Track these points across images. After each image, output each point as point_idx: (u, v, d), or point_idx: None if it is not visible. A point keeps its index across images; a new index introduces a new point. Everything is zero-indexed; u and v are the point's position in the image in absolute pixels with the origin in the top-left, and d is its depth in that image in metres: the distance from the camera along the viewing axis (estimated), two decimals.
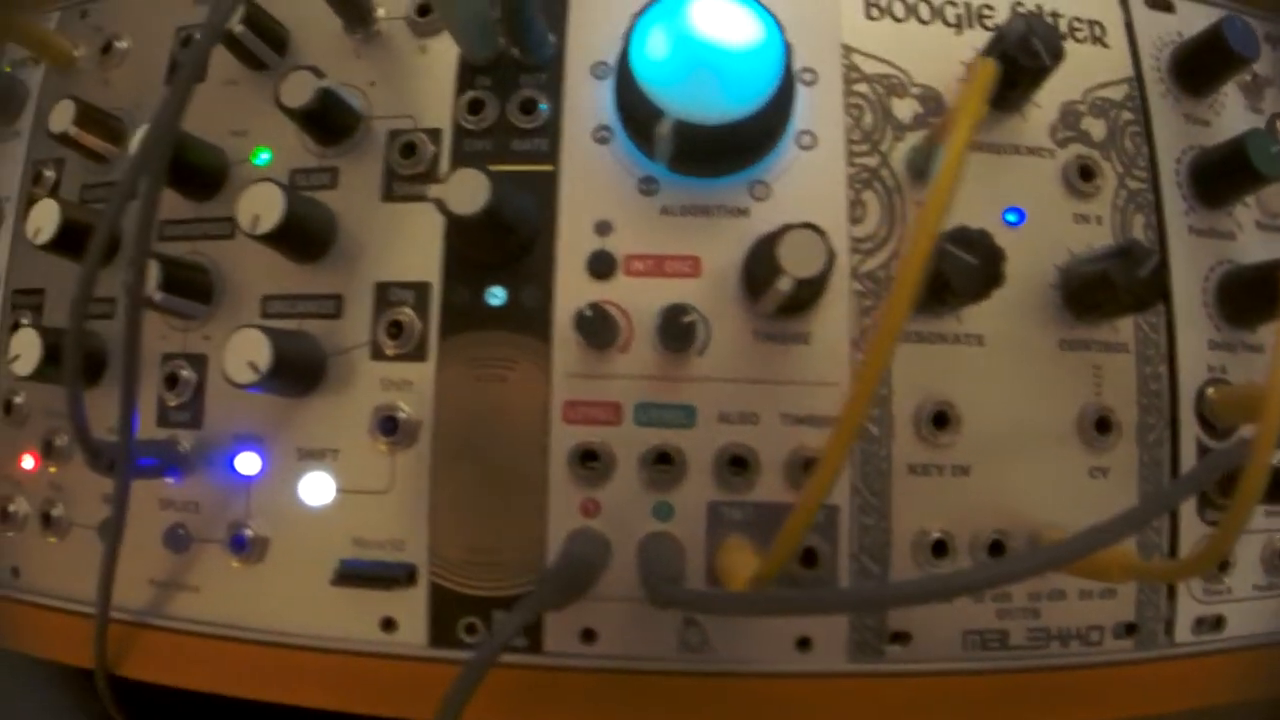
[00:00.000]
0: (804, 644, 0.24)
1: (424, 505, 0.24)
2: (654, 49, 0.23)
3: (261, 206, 0.23)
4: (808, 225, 0.21)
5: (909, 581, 0.20)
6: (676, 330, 0.22)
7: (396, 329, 0.25)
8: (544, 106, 0.25)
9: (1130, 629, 0.25)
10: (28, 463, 0.29)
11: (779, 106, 0.23)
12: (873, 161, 0.25)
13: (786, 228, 0.21)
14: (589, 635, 0.24)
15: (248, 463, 0.26)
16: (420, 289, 0.25)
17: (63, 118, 0.27)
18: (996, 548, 0.24)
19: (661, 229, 0.25)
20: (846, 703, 0.24)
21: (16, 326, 0.29)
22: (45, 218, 0.26)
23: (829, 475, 0.17)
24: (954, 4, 0.26)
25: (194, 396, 0.26)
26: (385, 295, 0.25)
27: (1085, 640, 0.25)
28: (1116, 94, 0.27)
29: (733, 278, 0.24)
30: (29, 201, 0.30)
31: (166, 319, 0.27)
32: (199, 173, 0.27)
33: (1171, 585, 0.25)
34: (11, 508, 0.29)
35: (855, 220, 0.25)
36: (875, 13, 0.26)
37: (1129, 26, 0.27)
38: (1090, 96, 0.26)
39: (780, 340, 0.24)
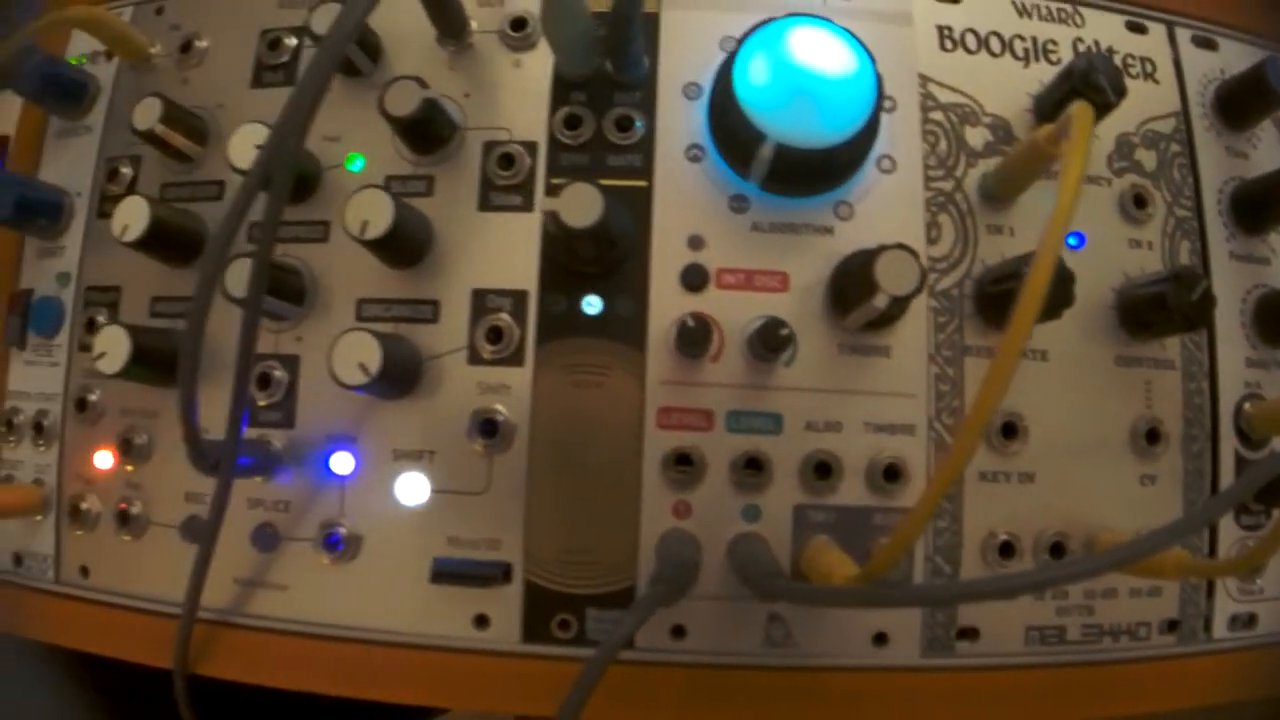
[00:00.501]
0: (880, 639, 0.25)
1: (520, 506, 0.25)
2: (756, 75, 0.24)
3: (371, 213, 0.24)
4: (901, 246, 0.23)
5: (1020, 574, 0.20)
6: (774, 342, 0.23)
7: (496, 335, 0.26)
8: (639, 124, 0.26)
9: (1173, 625, 0.27)
10: (103, 461, 0.29)
11: (869, 133, 0.24)
12: (947, 186, 0.27)
13: (883, 248, 0.23)
14: (679, 631, 0.25)
15: (342, 462, 0.26)
16: (518, 296, 0.26)
17: (149, 115, 0.27)
18: (1057, 549, 0.26)
19: (751, 245, 0.26)
20: (919, 695, 0.25)
21: (93, 323, 0.29)
22: (134, 215, 0.26)
23: (947, 479, 0.18)
24: (1022, 38, 0.28)
25: (286, 396, 0.27)
26: (483, 302, 0.26)
27: (1134, 635, 0.27)
28: (1165, 127, 0.29)
29: (818, 292, 0.26)
30: (103, 198, 0.30)
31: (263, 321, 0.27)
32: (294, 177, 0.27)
33: (1210, 584, 0.27)
34: (84, 506, 0.29)
35: (931, 241, 0.26)
36: (949, 44, 0.28)
37: (1177, 63, 0.29)
38: (1142, 129, 0.28)
39: (863, 353, 0.26)
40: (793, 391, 0.25)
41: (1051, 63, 0.28)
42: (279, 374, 0.27)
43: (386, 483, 0.26)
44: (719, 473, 0.25)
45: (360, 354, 0.23)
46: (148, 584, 0.28)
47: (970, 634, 0.26)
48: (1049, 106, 0.27)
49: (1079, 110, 0.20)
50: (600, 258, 0.25)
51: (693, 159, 0.26)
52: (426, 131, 0.26)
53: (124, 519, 0.28)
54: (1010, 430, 0.26)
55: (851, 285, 0.24)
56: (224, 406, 0.24)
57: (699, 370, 0.25)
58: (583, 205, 0.23)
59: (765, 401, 0.25)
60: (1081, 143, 0.18)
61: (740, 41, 0.24)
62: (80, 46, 0.33)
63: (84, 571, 0.29)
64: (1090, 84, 0.26)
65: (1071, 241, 0.27)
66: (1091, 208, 0.27)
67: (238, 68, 0.30)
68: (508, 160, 0.26)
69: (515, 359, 0.26)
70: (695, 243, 0.26)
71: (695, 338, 0.24)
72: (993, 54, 0.28)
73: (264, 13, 0.30)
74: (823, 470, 0.25)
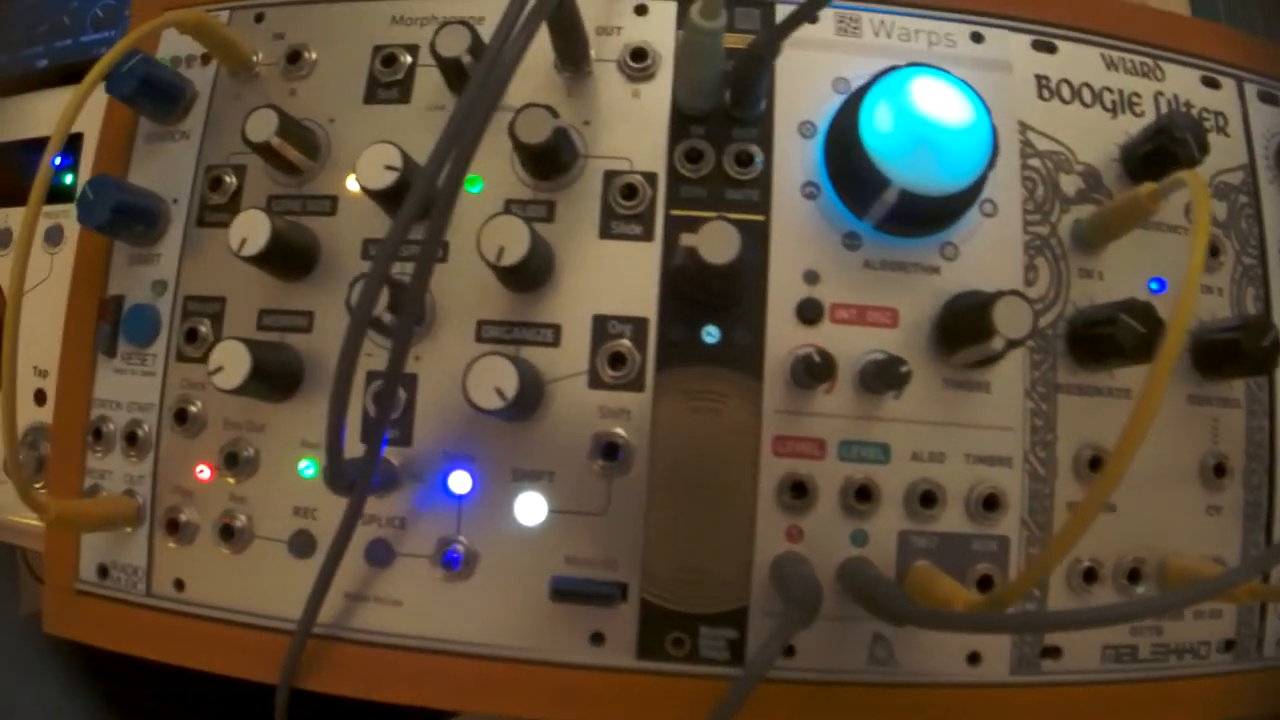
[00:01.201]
0: (974, 658, 0.27)
1: (638, 527, 0.26)
2: (881, 122, 0.25)
3: (508, 239, 0.24)
4: (1016, 293, 0.24)
5: (1135, 601, 0.23)
6: (894, 379, 0.25)
7: (618, 360, 0.26)
8: (759, 160, 0.27)
9: (1229, 645, 0.29)
10: (203, 473, 0.29)
11: (982, 180, 0.26)
12: (1044, 230, 0.28)
13: (1000, 294, 0.24)
14: (790, 651, 0.26)
15: (460, 481, 0.27)
16: (638, 323, 0.27)
17: (265, 127, 0.27)
18: (1134, 574, 0.28)
19: (863, 281, 0.27)
20: (1008, 710, 0.27)
21: (194, 333, 0.29)
22: (253, 229, 0.26)
23: (1088, 518, 0.19)
24: (1110, 90, 0.30)
25: (404, 414, 0.27)
26: (604, 328, 0.27)
27: (1195, 654, 0.29)
28: (1235, 179, 0.31)
29: (925, 329, 0.27)
30: (204, 206, 0.30)
31: (373, 337, 0.28)
32: (390, 194, 0.27)
33: (1264, 607, 0.30)
34: (182, 518, 0.29)
35: (1029, 283, 0.28)
36: (1046, 93, 0.29)
37: (1245, 118, 0.31)
38: (1215, 180, 0.30)
39: (965, 388, 0.27)
40: (900, 423, 0.27)
41: (1136, 114, 0.30)
42: (398, 392, 0.27)
43: (505, 502, 0.26)
44: (830, 499, 0.26)
45: (497, 378, 0.24)
46: (250, 598, 0.28)
47: (1053, 653, 0.27)
48: (1136, 158, 0.29)
49: (1195, 181, 0.22)
50: (726, 291, 0.26)
51: (808, 196, 0.27)
52: (552, 159, 0.27)
53: (227, 533, 0.28)
54: (1097, 464, 0.28)
55: (963, 326, 0.25)
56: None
57: (812, 400, 0.26)
58: (722, 243, 0.23)
59: (874, 432, 0.26)
60: (1205, 214, 0.20)
61: (865, 89, 0.26)
62: (170, 49, 0.32)
63: (179, 584, 0.29)
64: (1177, 141, 0.28)
65: (1153, 286, 0.29)
66: (1171, 255, 0.29)
67: (349, 82, 0.30)
68: (630, 190, 0.27)
69: (636, 384, 0.26)
70: (810, 277, 0.27)
71: (820, 372, 0.25)
72: (1084, 104, 0.29)
73: (376, 29, 0.30)
74: (927, 499, 0.26)
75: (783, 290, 0.27)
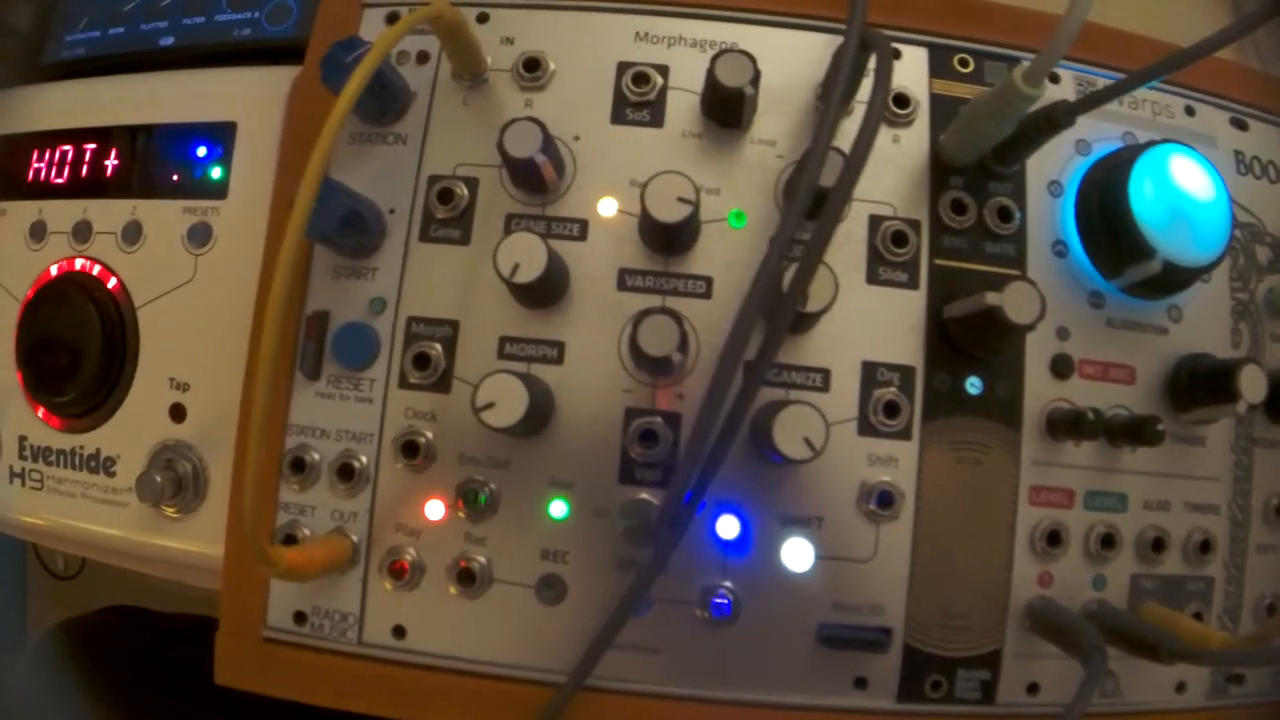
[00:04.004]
0: (1180, 687, 0.29)
1: (904, 573, 0.26)
2: (1148, 194, 0.26)
3: (818, 288, 0.24)
4: (1255, 361, 0.26)
5: None
6: (1151, 436, 0.26)
7: (892, 409, 0.26)
8: (1018, 216, 0.28)
9: None
10: (434, 511, 0.26)
11: (1225, 253, 0.28)
12: (1244, 296, 0.31)
13: (1242, 362, 0.26)
14: (1033, 688, 0.27)
15: (728, 526, 0.26)
16: (905, 371, 0.27)
17: (529, 141, 0.25)
18: None
19: (1106, 339, 0.28)
20: None
21: (424, 358, 0.27)
22: (527, 254, 0.24)
23: None
24: None
25: (668, 456, 0.26)
26: (873, 374, 0.27)
27: None
28: None
29: (1157, 386, 0.29)
30: (429, 219, 0.27)
31: (630, 371, 0.26)
32: (680, 228, 0.26)
33: None
34: (406, 560, 0.26)
35: (1235, 345, 0.30)
36: (1243, 168, 0.32)
37: None
38: None
39: (1186, 441, 0.29)
40: (1134, 474, 0.28)
41: None
42: (661, 432, 0.26)
43: (772, 548, 0.26)
44: (1077, 545, 0.27)
45: (807, 428, 0.23)
46: (488, 646, 0.26)
47: (1238, 679, 0.30)
48: None
49: None
50: (1006, 348, 0.26)
51: (1058, 254, 0.28)
52: (822, 199, 0.26)
53: (466, 576, 0.26)
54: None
55: (1204, 387, 0.27)
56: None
57: (1062, 452, 0.28)
58: (1026, 303, 0.24)
59: (1114, 483, 0.28)
60: None
61: (1129, 160, 0.27)
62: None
63: (398, 631, 0.26)
64: None
65: None
66: None
67: (594, 98, 0.28)
68: (900, 238, 0.27)
69: (904, 433, 0.27)
70: (1061, 334, 0.28)
71: (1089, 430, 0.26)
72: (1271, 181, 0.32)
73: (619, 43, 0.28)
74: (1158, 545, 0.28)
75: (1039, 344, 0.28)
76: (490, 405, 0.24)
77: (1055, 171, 0.29)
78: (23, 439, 0.33)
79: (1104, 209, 0.27)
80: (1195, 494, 0.29)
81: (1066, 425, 0.27)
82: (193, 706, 0.40)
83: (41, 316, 0.32)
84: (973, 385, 0.27)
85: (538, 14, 0.29)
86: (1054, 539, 0.27)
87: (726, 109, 0.27)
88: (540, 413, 0.25)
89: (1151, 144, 0.27)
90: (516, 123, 0.25)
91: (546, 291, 0.26)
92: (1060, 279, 0.28)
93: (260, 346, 0.20)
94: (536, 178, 0.26)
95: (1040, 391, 0.28)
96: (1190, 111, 0.31)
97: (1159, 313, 0.29)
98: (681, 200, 0.24)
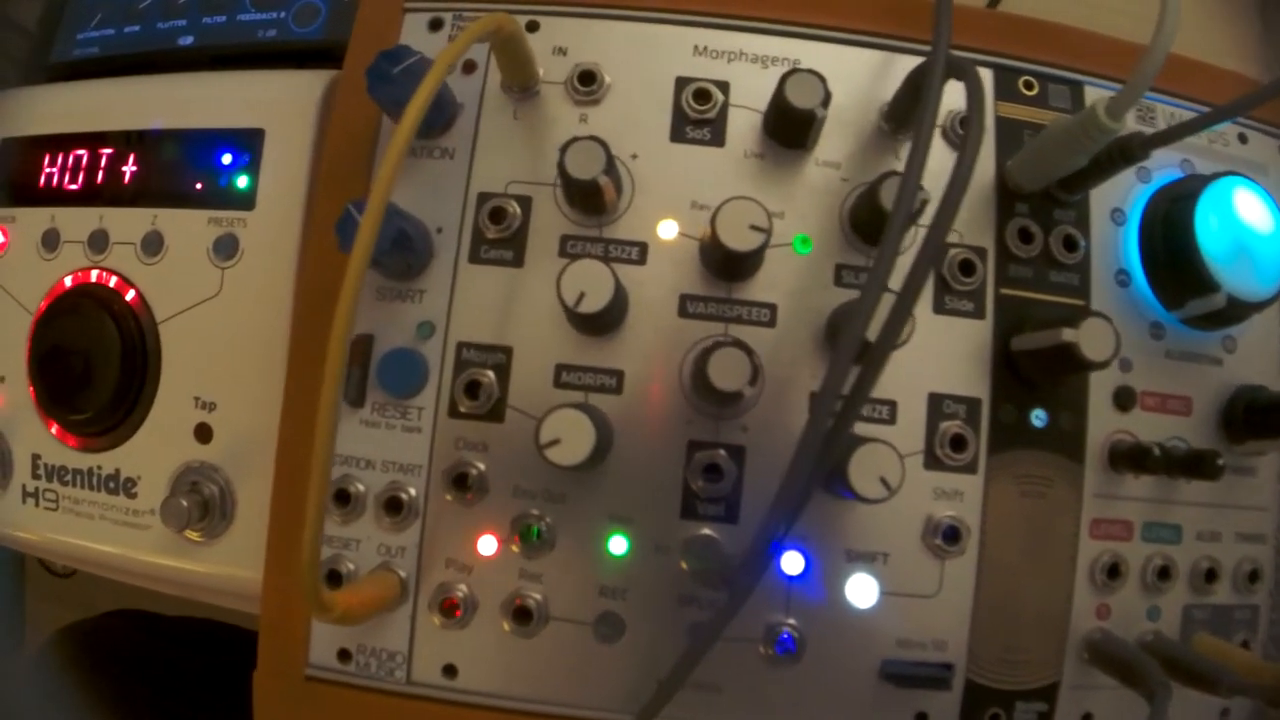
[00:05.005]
0: (1224, 713, 0.29)
1: (968, 609, 0.26)
2: (1214, 228, 0.26)
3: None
4: None
5: None
6: (1210, 470, 0.26)
7: (960, 443, 0.26)
8: (1083, 245, 0.27)
9: None
10: (487, 546, 0.25)
11: None
12: None
13: None
14: (1087, 718, 0.27)
15: (792, 562, 0.25)
16: (971, 404, 0.26)
17: (593, 162, 0.24)
18: None
19: (1165, 370, 0.28)
20: None
21: (475, 386, 0.25)
22: (594, 282, 0.23)
23: None
24: None
25: (733, 490, 0.25)
26: (939, 407, 0.26)
27: None
28: None
29: (1212, 417, 0.29)
30: (479, 239, 0.26)
31: (692, 404, 0.25)
32: (750, 256, 0.25)
33: None
34: (458, 596, 0.25)
35: None
36: None
37: None
38: None
39: (1238, 473, 0.29)
40: (1189, 505, 0.28)
41: None
42: (726, 465, 0.25)
43: (837, 583, 0.25)
44: (1135, 578, 0.27)
45: (884, 468, 0.23)
46: (544, 685, 0.25)
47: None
48: None
49: None
50: (1069, 379, 0.26)
51: (1120, 283, 0.28)
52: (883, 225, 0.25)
53: (521, 614, 0.25)
54: None
55: (1261, 421, 0.27)
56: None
57: (1122, 484, 0.27)
58: (1102, 341, 0.24)
59: (1170, 514, 0.28)
60: None
61: (1195, 192, 0.27)
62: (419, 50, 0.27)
63: (449, 671, 0.25)
64: None
65: None
66: None
67: (652, 115, 0.27)
68: (968, 267, 0.26)
69: (970, 467, 0.26)
70: (1124, 365, 0.28)
71: (1155, 465, 0.26)
72: None
73: (677, 57, 0.27)
74: (1210, 575, 0.28)
75: (1102, 376, 0.27)
76: (555, 442, 0.23)
77: (1118, 199, 0.29)
78: (36, 457, 0.31)
79: (1168, 241, 0.27)
80: (1245, 524, 0.29)
81: (1130, 459, 0.27)
82: (196, 711, 0.39)
83: (55, 329, 0.30)
84: (1038, 418, 0.27)
85: (592, 24, 0.27)
86: (1114, 572, 0.27)
87: (794, 130, 0.26)
88: (602, 446, 0.24)
89: (1216, 176, 0.27)
90: (579, 141, 0.24)
91: (608, 319, 0.25)
92: (1123, 309, 0.28)
93: (321, 382, 0.19)
94: (597, 199, 0.25)
95: (1103, 424, 0.27)
96: (1243, 139, 0.31)
97: (1214, 344, 0.29)
98: (754, 228, 0.24)
